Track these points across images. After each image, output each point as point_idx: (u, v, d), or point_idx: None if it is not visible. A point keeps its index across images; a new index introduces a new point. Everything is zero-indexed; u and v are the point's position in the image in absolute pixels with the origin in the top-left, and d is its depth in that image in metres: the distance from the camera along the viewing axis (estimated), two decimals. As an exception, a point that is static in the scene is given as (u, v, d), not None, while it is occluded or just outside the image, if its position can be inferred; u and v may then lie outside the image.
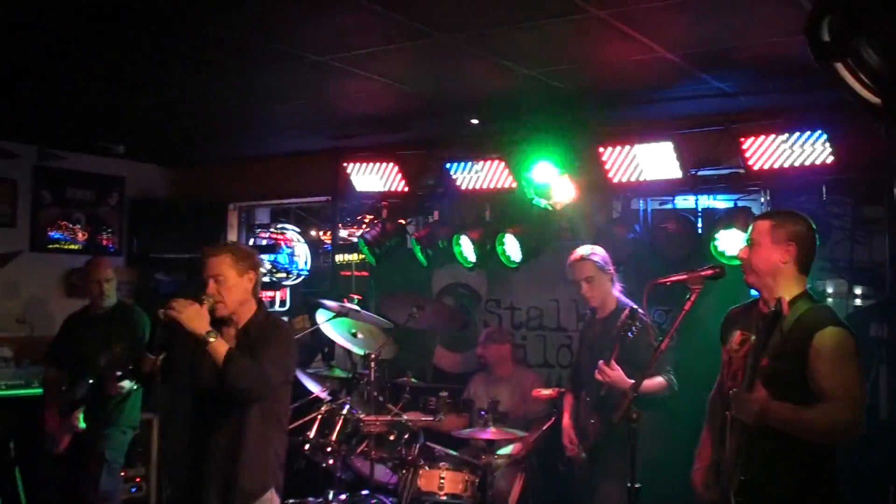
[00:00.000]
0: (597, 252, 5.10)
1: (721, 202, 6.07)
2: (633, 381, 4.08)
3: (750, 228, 3.66)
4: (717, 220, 5.62)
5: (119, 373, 5.51)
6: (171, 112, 6.33)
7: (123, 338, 5.75)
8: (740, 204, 5.77)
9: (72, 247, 7.91)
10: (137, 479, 6.81)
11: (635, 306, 4.62)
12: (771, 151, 5.31)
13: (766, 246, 3.54)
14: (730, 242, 5.34)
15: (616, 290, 5.10)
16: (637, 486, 3.65)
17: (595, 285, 5.04)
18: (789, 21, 3.75)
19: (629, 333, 4.45)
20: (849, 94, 1.76)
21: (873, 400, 5.27)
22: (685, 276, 3.76)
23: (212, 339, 3.74)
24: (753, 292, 3.79)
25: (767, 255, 3.53)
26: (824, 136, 5.12)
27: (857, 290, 6.13)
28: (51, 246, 7.79)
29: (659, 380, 4.75)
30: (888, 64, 1.66)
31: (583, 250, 5.10)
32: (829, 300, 5.97)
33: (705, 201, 5.92)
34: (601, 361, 4.65)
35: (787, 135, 5.23)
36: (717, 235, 5.45)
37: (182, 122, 6.73)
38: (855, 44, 1.68)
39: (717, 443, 3.62)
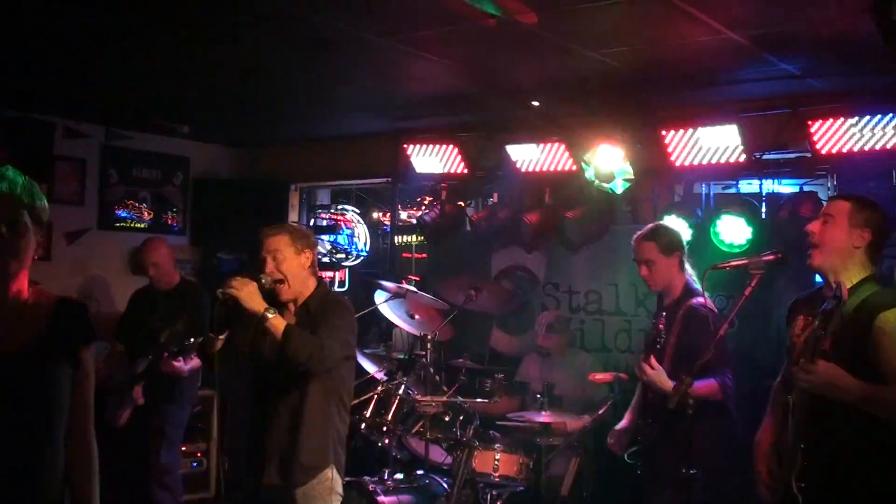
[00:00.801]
0: (661, 233, 4.68)
1: (786, 187, 5.95)
2: (674, 382, 3.91)
3: (826, 206, 3.55)
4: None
5: (175, 349, 5.58)
6: (235, 93, 6.40)
7: (185, 316, 5.86)
8: (806, 189, 5.65)
9: (138, 225, 8.06)
10: (198, 454, 6.97)
11: (697, 300, 4.41)
12: (840, 135, 5.19)
13: (842, 226, 3.44)
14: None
15: (685, 275, 4.64)
16: (693, 471, 3.61)
17: (655, 269, 4.60)
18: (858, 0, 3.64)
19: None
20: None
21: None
22: (745, 262, 3.69)
23: (270, 315, 3.79)
24: (819, 279, 3.71)
25: (842, 235, 3.43)
26: (895, 120, 4.98)
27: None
28: (118, 224, 7.95)
29: (710, 381, 4.21)
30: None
31: (645, 230, 4.71)
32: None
33: (770, 185, 5.81)
34: (641, 358, 4.40)
35: (856, 118, 5.10)
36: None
37: (246, 103, 6.80)
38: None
39: (780, 429, 3.56)
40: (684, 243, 4.72)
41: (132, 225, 8.05)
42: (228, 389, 4.37)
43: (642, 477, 4.65)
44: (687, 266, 4.68)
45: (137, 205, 8.10)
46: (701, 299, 4.35)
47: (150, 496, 5.95)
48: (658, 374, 4.30)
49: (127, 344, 6.14)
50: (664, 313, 4.63)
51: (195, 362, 5.79)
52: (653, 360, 4.35)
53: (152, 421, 5.92)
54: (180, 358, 5.67)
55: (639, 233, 4.74)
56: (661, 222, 4.93)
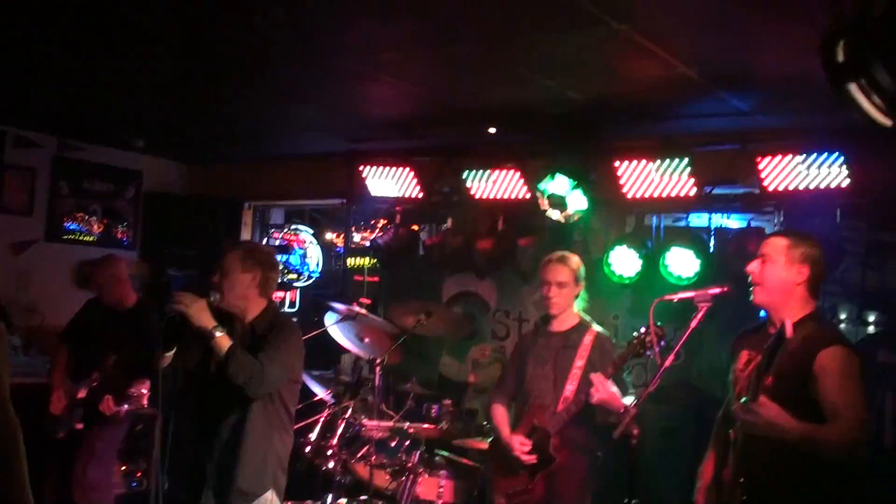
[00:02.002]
0: (578, 262, 4.85)
1: (734, 221, 6.05)
2: (626, 402, 4.18)
3: (763, 244, 3.61)
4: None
5: (112, 396, 5.49)
6: (192, 109, 6.37)
7: (132, 343, 5.70)
8: (753, 224, 5.74)
9: (87, 238, 7.96)
10: (138, 474, 6.83)
11: (600, 329, 4.69)
12: (787, 172, 5.30)
13: (779, 263, 3.49)
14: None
15: (577, 307, 4.86)
16: (635, 501, 3.64)
17: (563, 293, 4.77)
18: (808, 40, 3.72)
19: (647, 353, 4.37)
20: (860, 116, 1.75)
21: (878, 426, 5.23)
22: (692, 294, 3.73)
23: (218, 334, 3.76)
24: (764, 313, 3.77)
25: (780, 273, 3.49)
26: (841, 159, 5.10)
27: (870, 318, 6.09)
28: (66, 237, 7.84)
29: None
30: (901, 87, 1.65)
31: (567, 253, 4.89)
32: (842, 325, 5.93)
33: (719, 220, 5.90)
34: (598, 376, 4.37)
35: (803, 156, 5.22)
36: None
37: (202, 120, 6.77)
38: (869, 65, 1.67)
39: (720, 462, 3.59)
40: None
41: (81, 238, 7.94)
42: (175, 407, 4.31)
43: None
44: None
45: (87, 217, 8.00)
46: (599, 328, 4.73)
47: None
48: (613, 393, 4.36)
49: (70, 349, 5.99)
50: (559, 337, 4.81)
51: (137, 404, 5.64)
52: (602, 379, 4.40)
53: (84, 436, 5.77)
54: (123, 405, 5.55)
55: (554, 255, 4.88)
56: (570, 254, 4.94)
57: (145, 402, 5.47)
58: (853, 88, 1.75)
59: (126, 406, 5.55)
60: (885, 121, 1.72)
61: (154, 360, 3.93)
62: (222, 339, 3.77)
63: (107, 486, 6.00)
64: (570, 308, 4.83)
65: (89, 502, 5.78)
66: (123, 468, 6.21)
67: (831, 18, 1.73)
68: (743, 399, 3.38)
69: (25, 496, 2.98)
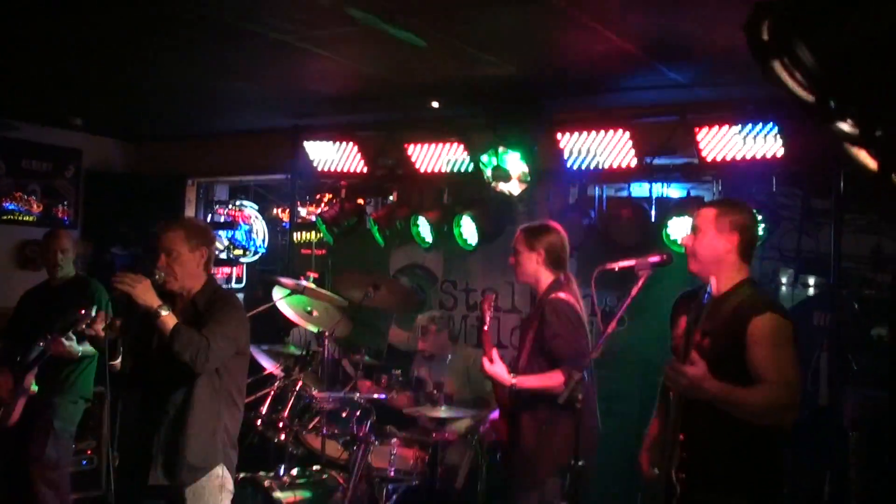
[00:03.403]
0: (534, 229, 4.72)
1: (675, 191, 6.18)
2: (513, 376, 4.38)
3: (694, 216, 3.74)
4: (669, 208, 5.73)
5: (67, 332, 5.39)
6: (131, 86, 6.29)
7: (78, 306, 5.70)
8: (693, 193, 5.88)
9: (27, 218, 7.84)
10: (88, 452, 6.80)
11: (562, 294, 4.53)
12: (724, 143, 5.43)
13: (709, 234, 3.61)
14: (681, 231, 5.45)
15: (553, 275, 4.65)
16: (581, 462, 3.76)
17: (520, 261, 4.69)
18: (742, 14, 3.83)
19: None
20: (785, 92, 1.84)
21: (813, 386, 5.43)
22: (633, 263, 3.84)
23: (164, 313, 3.78)
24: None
25: (710, 243, 3.60)
26: (776, 129, 5.24)
27: (810, 281, 6.30)
28: (5, 217, 7.72)
29: (555, 375, 4.31)
30: (821, 64, 1.75)
31: (525, 224, 4.83)
32: (783, 288, 6.13)
33: (659, 190, 6.03)
34: (483, 355, 4.56)
35: (739, 126, 5.35)
36: (668, 223, 5.55)
37: (141, 96, 6.68)
38: (791, 43, 1.76)
39: (664, 423, 3.72)
40: (559, 245, 4.70)
41: (20, 218, 7.83)
42: (124, 385, 4.31)
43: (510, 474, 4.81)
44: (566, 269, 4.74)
45: (26, 197, 7.88)
46: (562, 294, 4.53)
47: (32, 494, 5.76)
48: (495, 367, 4.49)
49: (19, 341, 5.93)
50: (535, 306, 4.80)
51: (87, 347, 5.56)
52: (494, 353, 4.52)
53: (40, 414, 5.73)
54: (70, 335, 5.44)
55: (522, 226, 4.85)
56: (545, 222, 4.87)
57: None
58: (777, 66, 1.85)
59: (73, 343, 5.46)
60: (808, 97, 1.82)
61: (93, 318, 3.92)
62: (168, 318, 3.78)
63: (66, 465, 5.99)
64: (540, 275, 4.68)
65: (49, 482, 5.76)
66: (73, 446, 6.16)
67: (753, 2, 1.83)
68: (671, 359, 3.51)
69: None
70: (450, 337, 6.49)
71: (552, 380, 4.29)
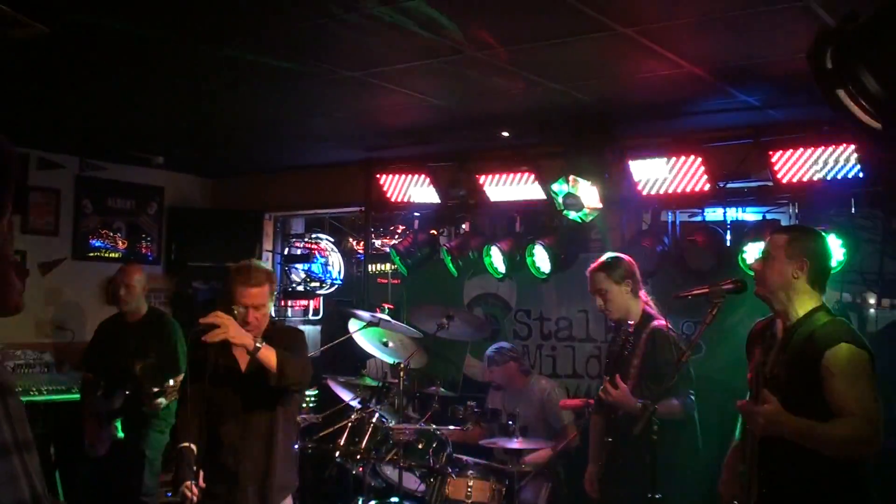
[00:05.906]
0: (612, 263, 4.78)
1: (750, 214, 6.08)
2: (640, 401, 4.17)
3: (766, 242, 3.69)
4: (745, 232, 5.63)
5: (155, 389, 5.60)
6: (209, 124, 6.47)
7: (155, 346, 5.88)
8: (769, 217, 5.78)
9: (112, 255, 8.08)
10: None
11: (660, 322, 4.60)
12: (799, 165, 5.31)
13: (780, 260, 3.56)
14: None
15: (641, 302, 4.78)
16: (658, 496, 3.70)
17: (610, 298, 4.74)
18: (812, 36, 3.78)
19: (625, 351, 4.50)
20: (849, 120, 1.83)
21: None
22: (706, 290, 3.80)
23: (261, 346, 3.92)
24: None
25: (781, 269, 3.56)
26: (853, 149, 5.12)
27: (896, 302, 6.09)
28: (92, 254, 7.97)
29: (673, 402, 4.37)
30: (886, 91, 1.73)
31: (597, 263, 4.85)
32: (871, 311, 5.95)
33: (734, 214, 5.94)
34: (606, 379, 4.57)
35: (815, 148, 5.24)
36: (745, 248, 5.45)
37: (220, 134, 6.87)
38: (856, 71, 1.75)
39: (745, 455, 3.65)
40: (636, 271, 4.81)
41: (106, 254, 8.06)
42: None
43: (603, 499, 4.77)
44: (642, 293, 4.83)
45: (112, 234, 8.11)
46: (663, 322, 4.60)
47: None
48: (622, 393, 4.43)
49: (96, 374, 6.13)
50: (626, 337, 4.75)
51: (173, 395, 5.76)
52: (618, 380, 4.47)
53: (133, 446, 5.91)
54: (160, 397, 5.66)
55: (591, 265, 4.88)
56: (612, 253, 4.94)
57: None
58: (842, 94, 1.83)
59: (163, 400, 5.66)
60: (874, 124, 1.79)
61: (185, 377, 4.10)
62: (267, 350, 3.93)
63: (156, 494, 6.14)
64: (631, 305, 4.76)
65: None
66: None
67: (818, 27, 1.82)
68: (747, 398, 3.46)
69: None
70: (520, 368, 6.44)
71: (672, 408, 4.33)
